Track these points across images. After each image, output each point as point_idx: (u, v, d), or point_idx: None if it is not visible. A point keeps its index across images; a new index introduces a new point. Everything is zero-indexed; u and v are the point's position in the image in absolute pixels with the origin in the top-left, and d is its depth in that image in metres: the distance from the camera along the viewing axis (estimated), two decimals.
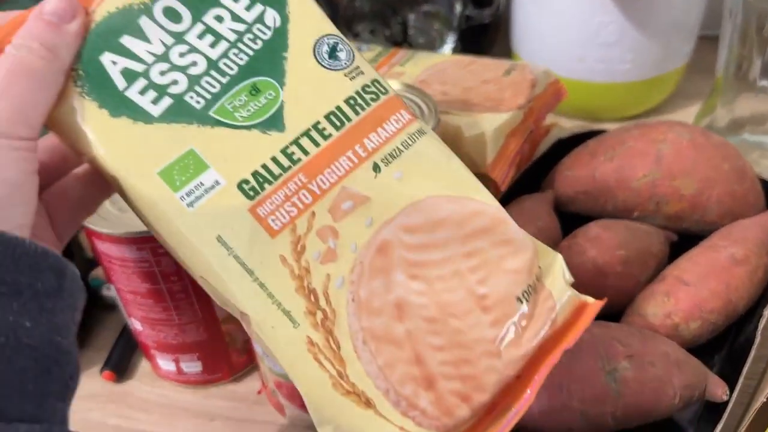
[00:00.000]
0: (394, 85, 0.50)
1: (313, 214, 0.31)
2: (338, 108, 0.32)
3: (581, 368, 0.40)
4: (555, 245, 0.50)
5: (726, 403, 0.41)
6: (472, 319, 0.31)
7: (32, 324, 0.24)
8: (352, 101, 0.32)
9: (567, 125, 0.67)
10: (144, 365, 0.52)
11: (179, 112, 0.31)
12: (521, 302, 0.32)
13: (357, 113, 0.32)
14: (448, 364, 0.31)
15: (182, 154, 0.30)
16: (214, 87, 0.31)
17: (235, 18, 0.32)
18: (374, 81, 0.33)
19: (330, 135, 0.32)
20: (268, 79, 0.32)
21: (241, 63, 0.32)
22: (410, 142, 0.33)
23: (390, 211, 0.32)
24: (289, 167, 0.31)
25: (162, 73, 0.31)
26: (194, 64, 0.31)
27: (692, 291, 0.45)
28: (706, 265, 0.46)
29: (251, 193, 0.30)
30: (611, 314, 0.46)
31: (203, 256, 0.30)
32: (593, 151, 0.53)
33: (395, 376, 0.30)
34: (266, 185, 0.30)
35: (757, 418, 0.39)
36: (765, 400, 0.39)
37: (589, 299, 0.34)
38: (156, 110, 0.31)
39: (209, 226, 0.30)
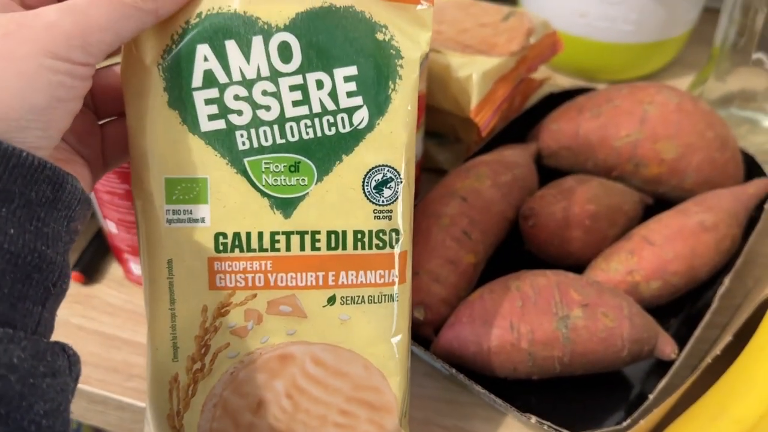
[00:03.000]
0: None
1: (254, 295, 0.32)
2: (344, 233, 0.32)
3: (534, 311, 0.41)
4: (530, 193, 0.50)
5: (674, 362, 0.42)
6: None
7: (16, 231, 0.24)
8: (359, 236, 0.32)
9: (563, 83, 0.66)
10: (113, 271, 0.53)
11: (222, 140, 0.30)
12: None
13: (355, 248, 0.32)
14: None
15: (196, 177, 0.31)
16: (266, 140, 0.31)
17: (333, 95, 0.31)
18: (394, 230, 0.33)
19: (319, 249, 0.32)
20: (313, 167, 0.31)
21: (305, 137, 0.31)
22: (377, 300, 0.33)
23: (314, 337, 0.33)
24: (266, 250, 0.31)
25: (236, 98, 0.30)
26: (268, 108, 0.30)
27: (657, 251, 0.45)
28: (674, 228, 0.46)
29: (221, 247, 0.31)
30: (575, 267, 0.47)
31: (150, 265, 0.32)
32: (581, 106, 0.53)
33: None
34: (236, 250, 0.31)
35: (701, 376, 0.40)
36: (710, 361, 0.39)
37: None
38: (206, 126, 0.30)
39: (169, 247, 0.31)
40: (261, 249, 0.31)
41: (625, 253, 0.46)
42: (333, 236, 0.32)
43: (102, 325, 0.50)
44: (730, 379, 0.39)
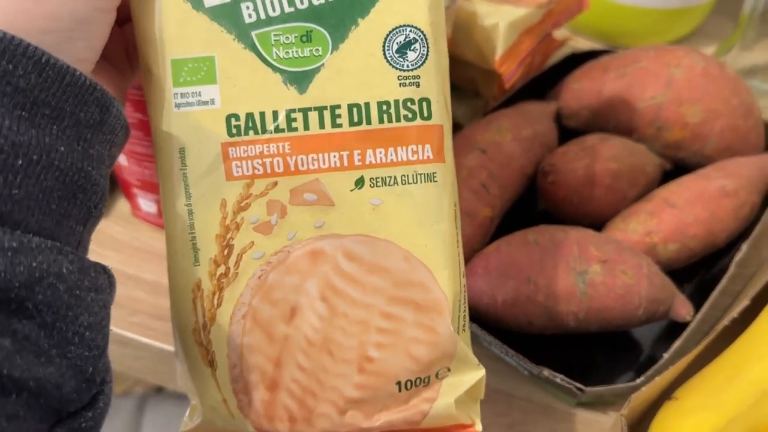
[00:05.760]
0: None
1: (275, 183, 0.29)
2: (367, 105, 0.29)
3: (553, 265, 0.40)
4: (550, 151, 0.49)
5: (687, 324, 0.42)
6: (343, 369, 0.30)
7: (66, 150, 0.25)
8: (384, 107, 0.29)
9: (583, 46, 0.65)
10: (120, 207, 0.52)
11: (228, 15, 0.29)
12: (399, 387, 0.31)
13: (381, 121, 0.29)
14: (298, 384, 0.31)
15: (202, 56, 0.29)
16: (274, 10, 0.29)
17: None
18: (423, 100, 0.29)
19: (340, 125, 0.29)
20: (326, 34, 0.29)
21: (315, 3, 0.29)
22: (412, 180, 0.30)
23: (344, 229, 0.30)
24: (282, 130, 0.29)
25: None
26: None
27: (676, 213, 0.45)
28: (695, 191, 0.45)
29: (234, 130, 0.29)
30: (594, 226, 0.46)
31: (161, 157, 0.30)
32: (605, 66, 0.52)
33: (249, 360, 0.30)
34: (251, 132, 0.29)
35: (716, 340, 0.39)
36: (728, 323, 0.39)
37: (476, 424, 0.32)
38: (210, 1, 0.29)
39: (180, 135, 0.29)
40: (277, 130, 0.29)
41: (644, 213, 0.45)
42: (355, 110, 0.29)
43: (107, 260, 0.47)
44: (747, 341, 0.38)
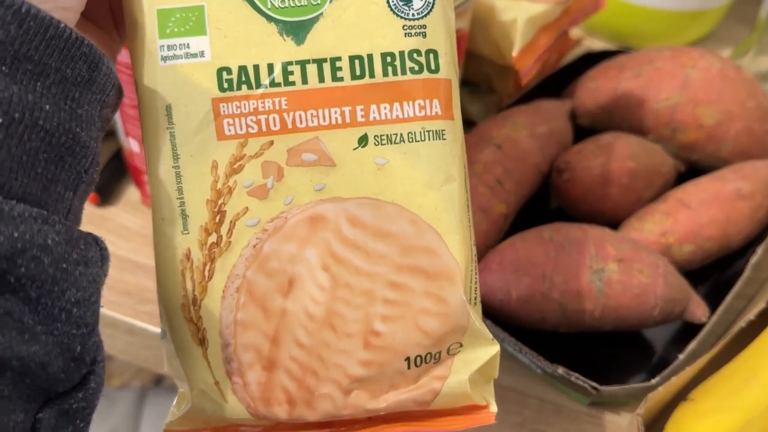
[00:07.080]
0: None
1: (271, 143, 0.27)
2: (370, 57, 0.27)
3: (569, 262, 0.40)
4: (565, 149, 0.49)
5: (702, 326, 0.41)
6: (347, 344, 0.28)
7: (52, 108, 0.23)
8: (389, 58, 0.27)
9: (596, 47, 0.65)
10: (130, 195, 0.52)
11: None
12: (408, 364, 0.29)
13: (385, 74, 0.27)
14: (297, 363, 0.29)
15: (191, 6, 0.27)
16: None
17: None
18: (430, 52, 0.28)
19: (341, 79, 0.27)
20: None
21: None
22: (419, 138, 0.28)
23: (347, 192, 0.28)
24: (278, 84, 0.27)
25: None
26: None
27: (692, 215, 0.44)
28: (710, 193, 0.45)
29: (226, 85, 0.27)
30: (608, 225, 0.45)
31: (145, 115, 0.28)
32: (621, 65, 0.52)
33: (244, 338, 0.28)
34: (244, 87, 0.27)
35: (731, 342, 0.39)
36: (744, 325, 0.39)
37: (490, 406, 0.30)
38: None
39: (166, 91, 0.27)
40: (273, 84, 0.27)
41: (659, 214, 0.45)
42: (357, 62, 0.27)
43: (116, 248, 0.48)
44: (763, 344, 0.38)
